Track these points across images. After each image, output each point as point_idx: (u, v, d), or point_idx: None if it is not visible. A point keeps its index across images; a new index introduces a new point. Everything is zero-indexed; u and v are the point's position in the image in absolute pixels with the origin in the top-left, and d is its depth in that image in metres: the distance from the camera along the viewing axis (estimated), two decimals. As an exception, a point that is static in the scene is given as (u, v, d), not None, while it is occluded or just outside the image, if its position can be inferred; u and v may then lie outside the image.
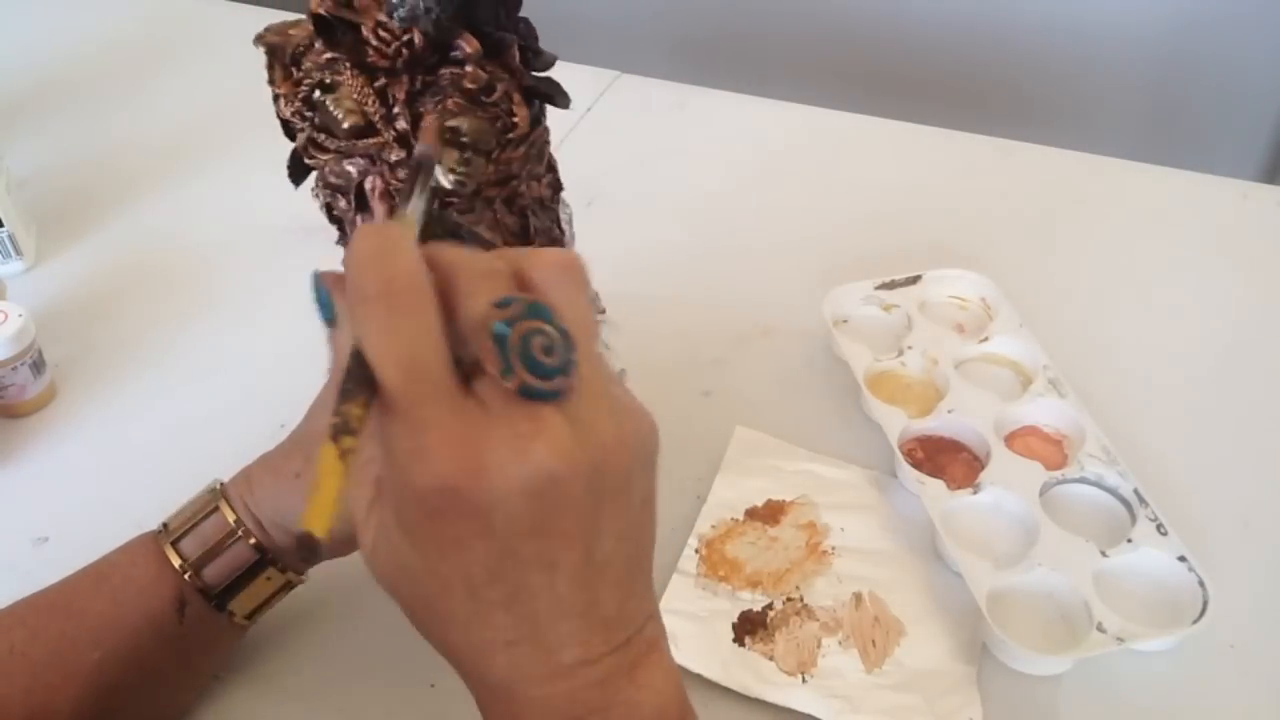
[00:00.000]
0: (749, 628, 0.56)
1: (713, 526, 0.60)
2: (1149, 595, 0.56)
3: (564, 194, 0.49)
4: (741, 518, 0.61)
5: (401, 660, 0.54)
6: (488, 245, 0.44)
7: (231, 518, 0.47)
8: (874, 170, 0.89)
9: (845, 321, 0.73)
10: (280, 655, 0.55)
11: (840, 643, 0.55)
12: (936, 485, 0.60)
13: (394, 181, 0.42)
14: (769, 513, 0.61)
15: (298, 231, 0.84)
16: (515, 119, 0.42)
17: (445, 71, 0.41)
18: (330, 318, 0.32)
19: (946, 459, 0.64)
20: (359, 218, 0.44)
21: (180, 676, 0.50)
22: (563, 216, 0.48)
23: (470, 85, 0.41)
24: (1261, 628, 0.56)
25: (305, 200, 0.86)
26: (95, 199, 0.86)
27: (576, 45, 0.67)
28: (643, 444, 0.33)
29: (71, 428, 0.67)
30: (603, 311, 0.51)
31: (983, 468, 0.62)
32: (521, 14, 0.44)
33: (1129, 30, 1.47)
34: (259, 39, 0.43)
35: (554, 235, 0.48)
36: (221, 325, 0.75)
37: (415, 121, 0.40)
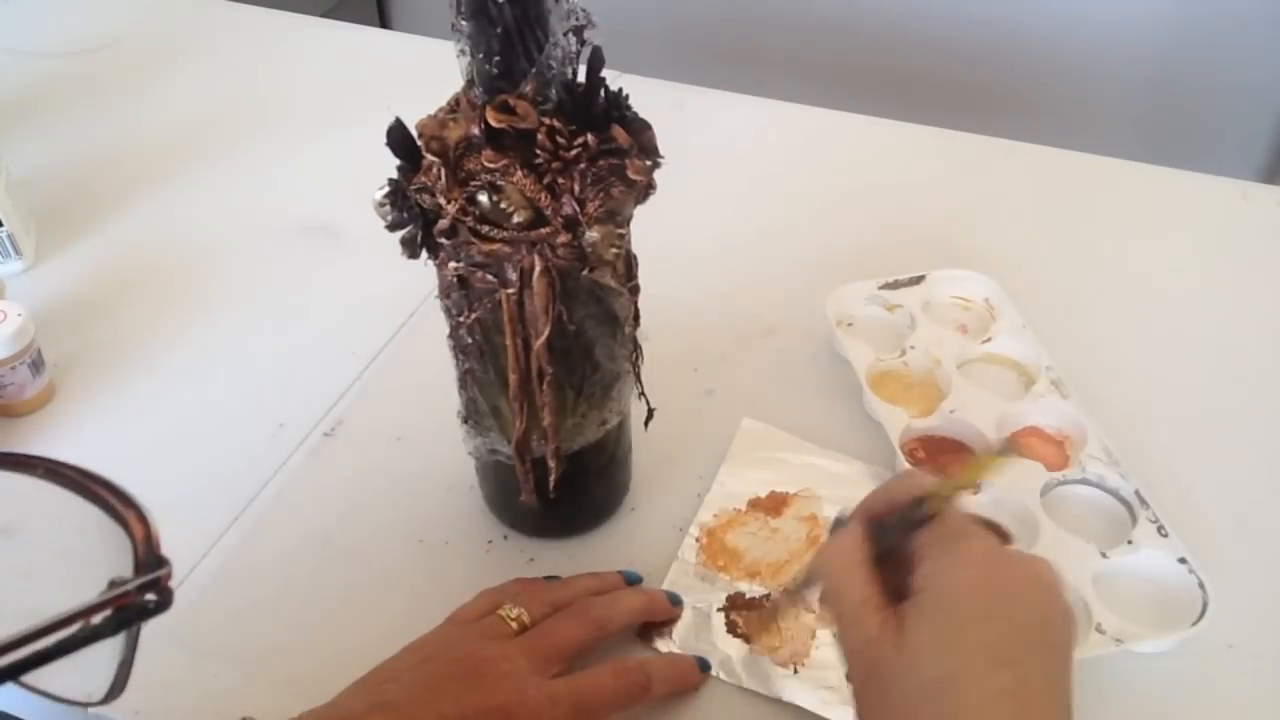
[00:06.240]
0: (737, 610, 0.56)
1: (715, 515, 0.61)
2: (1149, 597, 0.56)
3: None
4: (744, 508, 0.61)
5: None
6: (617, 293, 0.49)
7: None
8: (876, 171, 0.89)
9: (849, 322, 0.73)
10: (279, 649, 0.55)
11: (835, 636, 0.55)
12: (938, 486, 0.60)
13: (555, 260, 0.45)
14: (771, 504, 0.61)
15: (296, 232, 0.84)
16: (650, 191, 0.46)
17: (605, 163, 0.44)
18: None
19: (948, 459, 0.63)
20: (525, 293, 0.46)
21: None
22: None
23: (636, 177, 0.44)
24: (1262, 629, 0.56)
25: (303, 201, 0.87)
26: (95, 199, 0.86)
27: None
28: None
29: (71, 427, 0.67)
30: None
31: (984, 468, 0.62)
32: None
33: (1131, 31, 1.47)
34: (426, 147, 0.44)
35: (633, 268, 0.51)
36: (220, 325, 0.75)
37: (580, 205, 0.44)
